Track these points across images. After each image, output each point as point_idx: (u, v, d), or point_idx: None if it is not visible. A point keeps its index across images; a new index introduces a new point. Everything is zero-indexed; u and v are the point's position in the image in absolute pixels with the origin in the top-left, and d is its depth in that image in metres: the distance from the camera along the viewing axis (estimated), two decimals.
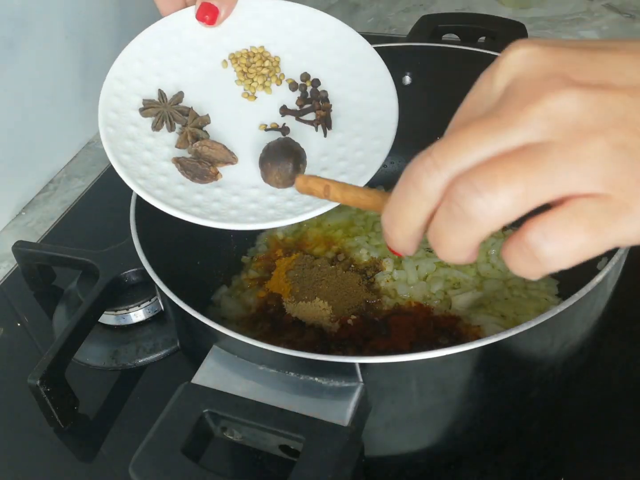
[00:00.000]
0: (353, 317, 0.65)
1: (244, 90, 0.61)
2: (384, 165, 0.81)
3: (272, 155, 0.54)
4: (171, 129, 0.57)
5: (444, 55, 0.73)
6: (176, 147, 0.57)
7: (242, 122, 0.59)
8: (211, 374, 0.47)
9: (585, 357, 0.53)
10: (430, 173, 0.32)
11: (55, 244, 0.80)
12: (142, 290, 0.72)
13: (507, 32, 0.87)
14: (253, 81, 0.61)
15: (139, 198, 0.59)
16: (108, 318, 0.72)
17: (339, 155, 0.58)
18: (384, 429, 0.48)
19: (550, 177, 0.30)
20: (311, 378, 0.45)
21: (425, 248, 0.72)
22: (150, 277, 0.52)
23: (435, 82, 0.75)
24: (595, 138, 0.29)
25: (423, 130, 0.79)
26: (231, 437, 0.44)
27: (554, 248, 0.30)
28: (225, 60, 0.62)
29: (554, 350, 0.48)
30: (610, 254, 0.47)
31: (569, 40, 0.33)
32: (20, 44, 0.88)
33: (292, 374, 0.45)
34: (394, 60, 0.74)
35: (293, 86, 0.61)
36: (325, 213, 0.77)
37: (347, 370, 0.44)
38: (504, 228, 0.76)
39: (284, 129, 0.59)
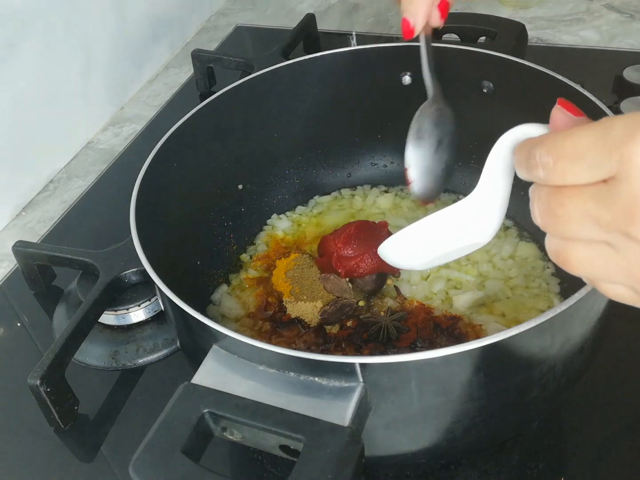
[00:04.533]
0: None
1: None
2: (384, 165, 0.82)
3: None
4: None
5: (444, 55, 0.72)
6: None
7: None
8: (211, 374, 0.46)
9: (585, 357, 0.53)
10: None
11: (55, 244, 0.80)
12: (142, 290, 0.72)
13: (507, 32, 0.87)
14: None
15: (139, 198, 0.59)
16: (108, 318, 0.72)
17: None
18: (384, 429, 0.48)
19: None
20: (311, 378, 0.45)
21: None
22: (150, 277, 0.52)
23: None
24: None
25: None
26: (231, 437, 0.44)
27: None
28: None
29: (554, 350, 0.48)
30: None
31: None
32: (20, 44, 0.88)
33: (292, 374, 0.45)
34: (394, 60, 0.75)
35: None
36: (324, 212, 0.78)
37: (347, 370, 0.44)
38: (506, 227, 0.75)
39: None
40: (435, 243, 0.47)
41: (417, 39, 0.62)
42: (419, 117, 0.56)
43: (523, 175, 0.37)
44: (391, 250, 0.51)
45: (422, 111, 0.56)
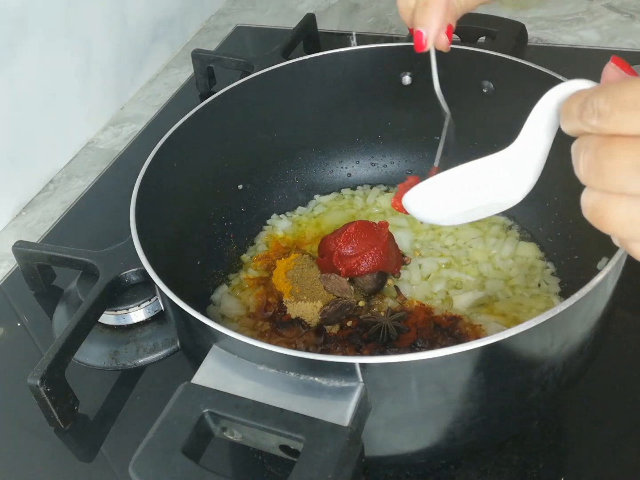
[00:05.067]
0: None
1: None
2: (384, 165, 0.82)
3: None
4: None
5: (444, 55, 0.72)
6: None
7: None
8: (211, 374, 0.47)
9: (585, 357, 0.53)
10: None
11: (55, 244, 0.80)
12: (142, 290, 0.72)
13: (507, 32, 0.86)
14: None
15: (139, 198, 0.59)
16: (108, 318, 0.72)
17: None
18: (384, 429, 0.48)
19: None
20: (311, 378, 0.45)
21: (428, 247, 0.72)
22: (150, 277, 0.52)
23: None
24: None
25: (423, 130, 0.79)
26: (231, 437, 0.44)
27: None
28: None
29: (554, 350, 0.48)
30: (610, 254, 0.47)
31: None
32: (20, 44, 0.88)
33: (292, 374, 0.45)
34: (394, 60, 0.75)
35: None
36: (324, 212, 0.78)
37: (347, 370, 0.44)
38: (507, 227, 0.75)
39: None
40: (464, 196, 0.45)
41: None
42: (449, 128, 0.59)
43: (569, 127, 0.36)
44: (416, 200, 0.48)
45: (450, 124, 0.59)
